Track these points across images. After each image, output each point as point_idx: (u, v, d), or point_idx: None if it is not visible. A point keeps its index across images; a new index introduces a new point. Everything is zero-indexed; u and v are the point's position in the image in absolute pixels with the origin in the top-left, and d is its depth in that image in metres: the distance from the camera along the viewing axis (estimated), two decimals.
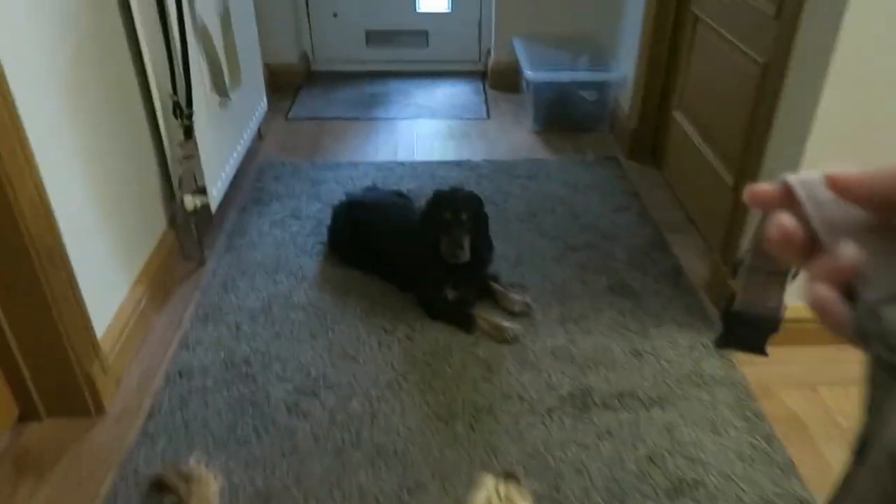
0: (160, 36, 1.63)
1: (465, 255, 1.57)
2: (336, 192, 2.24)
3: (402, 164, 2.46)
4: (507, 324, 1.61)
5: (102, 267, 1.50)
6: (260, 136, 2.64)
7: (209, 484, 1.22)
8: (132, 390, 1.48)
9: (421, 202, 1.94)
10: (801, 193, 0.29)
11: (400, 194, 1.99)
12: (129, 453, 1.31)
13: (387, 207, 1.82)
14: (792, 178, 0.30)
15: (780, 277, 0.34)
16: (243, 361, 1.54)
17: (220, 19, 1.98)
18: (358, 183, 2.32)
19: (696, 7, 2.04)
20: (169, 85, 1.68)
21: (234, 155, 2.11)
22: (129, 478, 1.26)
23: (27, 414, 1.38)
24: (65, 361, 1.33)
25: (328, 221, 1.97)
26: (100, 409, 1.41)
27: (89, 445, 1.35)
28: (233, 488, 1.25)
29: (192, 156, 1.76)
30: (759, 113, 1.59)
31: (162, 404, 1.43)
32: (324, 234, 1.98)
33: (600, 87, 2.68)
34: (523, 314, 1.68)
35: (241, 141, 2.20)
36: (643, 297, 1.76)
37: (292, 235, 2.01)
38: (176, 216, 1.86)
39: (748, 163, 1.65)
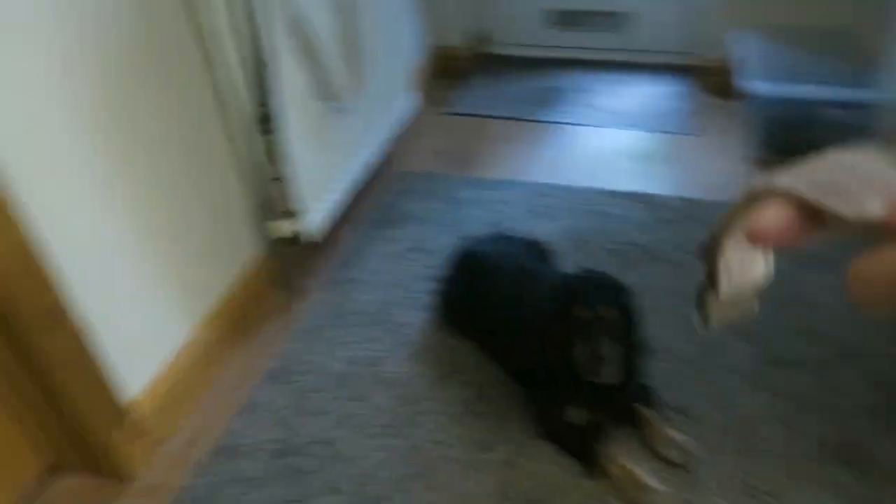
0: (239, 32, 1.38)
1: (615, 375, 1.13)
2: (477, 222, 1.88)
3: (566, 189, 2.02)
4: (649, 480, 1.15)
5: (156, 309, 1.32)
6: (407, 135, 2.36)
7: None
8: (173, 457, 1.29)
9: (560, 260, 1.52)
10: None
11: (538, 248, 1.57)
12: None
13: (514, 270, 1.42)
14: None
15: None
16: (298, 450, 1.28)
17: (339, 4, 1.68)
18: (505, 211, 1.94)
19: None
20: (255, 93, 1.43)
21: (353, 168, 1.84)
22: None
23: (58, 466, 1.26)
24: (79, 427, 1.17)
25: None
26: (126, 476, 1.24)
27: None
28: None
29: (280, 177, 1.51)
30: None
31: (193, 489, 1.22)
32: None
33: (861, 106, 1.97)
34: (679, 465, 1.20)
35: (367, 151, 1.92)
36: (889, 480, 1.17)
37: (409, 276, 1.71)
38: (271, 244, 1.65)
39: None
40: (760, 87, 2.01)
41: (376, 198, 2.03)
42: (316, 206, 1.64)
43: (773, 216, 0.28)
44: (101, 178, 1.15)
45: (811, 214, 0.27)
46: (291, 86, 1.47)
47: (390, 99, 2.08)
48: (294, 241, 1.60)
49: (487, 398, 1.37)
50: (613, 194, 1.99)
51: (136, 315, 1.27)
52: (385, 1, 1.94)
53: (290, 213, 1.59)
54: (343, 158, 1.77)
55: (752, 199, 0.31)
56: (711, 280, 0.35)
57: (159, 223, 1.30)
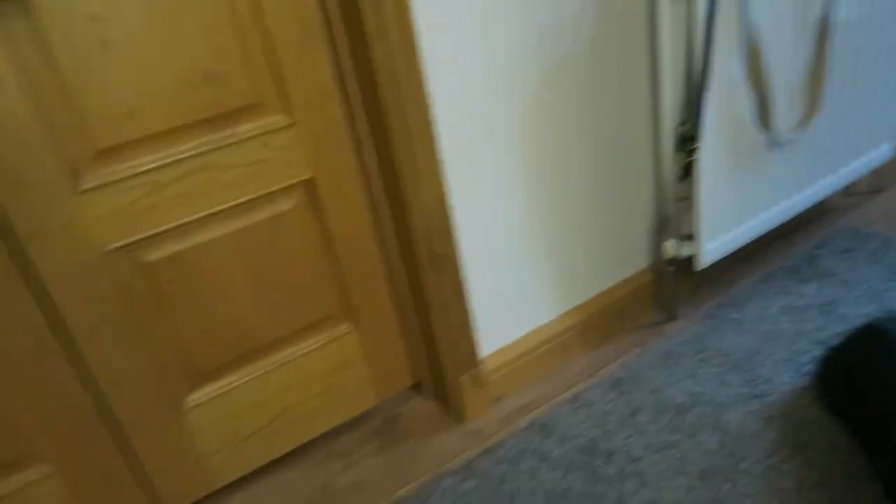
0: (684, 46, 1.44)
1: None
2: None
3: None
4: None
5: (528, 288, 1.51)
6: (867, 187, 2.04)
7: None
8: (501, 416, 1.47)
9: None
10: None
11: None
12: (446, 474, 1.33)
13: None
14: None
15: None
16: (603, 455, 1.30)
17: (817, 30, 1.57)
18: None
19: None
20: (685, 110, 1.48)
21: (777, 209, 1.70)
22: (430, 494, 1.28)
23: (418, 386, 1.58)
24: (438, 361, 1.44)
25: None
26: (461, 417, 1.47)
27: (431, 443, 1.43)
28: None
29: (686, 198, 1.52)
30: None
31: (502, 446, 1.37)
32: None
33: None
34: None
35: (801, 193, 1.75)
36: None
37: (796, 335, 1.52)
38: (660, 262, 1.68)
39: None
40: None
41: (797, 245, 1.84)
42: (719, 237, 1.60)
43: None
44: (514, 156, 1.38)
45: None
46: (727, 109, 1.47)
47: (856, 143, 1.84)
48: (684, 265, 1.60)
49: (832, 489, 1.14)
50: None
51: (509, 286, 1.48)
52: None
53: (687, 237, 1.60)
54: (767, 194, 1.66)
55: None
56: None
57: (558, 212, 1.49)
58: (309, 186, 1.32)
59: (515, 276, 1.48)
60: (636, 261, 1.68)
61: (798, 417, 1.30)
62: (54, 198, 1.08)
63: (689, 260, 1.60)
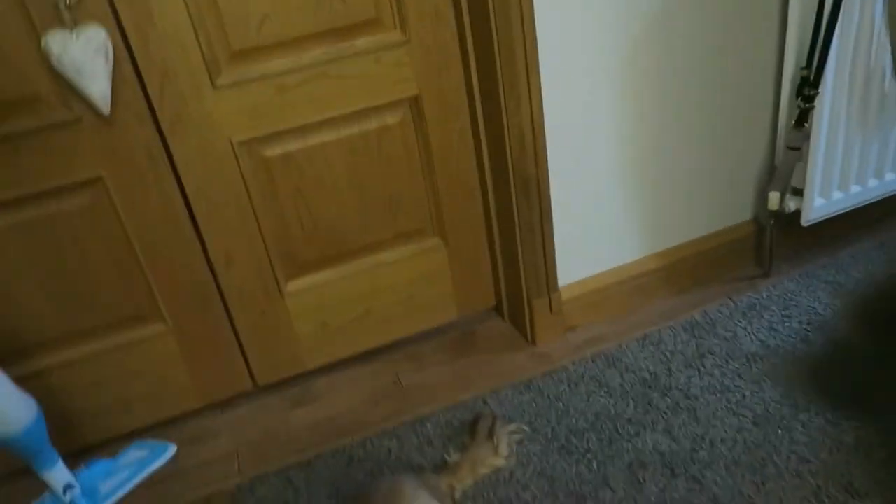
0: None
1: None
2: None
3: None
4: None
5: (616, 226, 1.58)
6: None
7: (497, 455, 1.28)
8: (570, 345, 1.58)
9: None
10: None
11: None
12: (507, 386, 1.47)
13: None
14: None
15: None
16: (662, 389, 1.39)
17: None
18: None
19: None
20: (808, 55, 1.45)
21: None
22: (487, 401, 1.43)
23: (498, 308, 1.71)
24: (517, 282, 1.56)
25: None
26: (532, 340, 1.60)
27: (499, 360, 1.57)
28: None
29: (798, 148, 1.51)
30: None
31: (565, 370, 1.48)
32: None
33: None
34: None
35: None
36: None
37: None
38: (763, 213, 1.68)
39: None
40: None
41: None
42: (830, 194, 1.57)
43: None
44: (616, 88, 1.43)
45: None
46: (857, 55, 1.43)
47: None
48: (790, 220, 1.59)
49: (891, 450, 1.16)
50: None
51: (597, 220, 1.55)
52: None
53: (796, 190, 1.58)
54: (893, 153, 1.61)
55: None
56: None
57: (657, 151, 1.53)
58: (415, 103, 1.45)
59: (605, 211, 1.55)
60: (738, 212, 1.69)
61: (880, 381, 1.30)
62: (195, 90, 1.29)
63: (796, 215, 1.59)
